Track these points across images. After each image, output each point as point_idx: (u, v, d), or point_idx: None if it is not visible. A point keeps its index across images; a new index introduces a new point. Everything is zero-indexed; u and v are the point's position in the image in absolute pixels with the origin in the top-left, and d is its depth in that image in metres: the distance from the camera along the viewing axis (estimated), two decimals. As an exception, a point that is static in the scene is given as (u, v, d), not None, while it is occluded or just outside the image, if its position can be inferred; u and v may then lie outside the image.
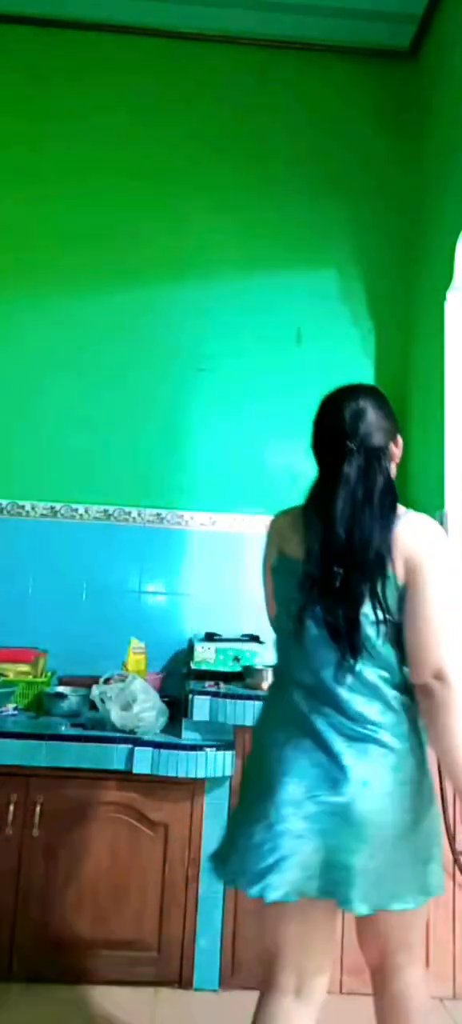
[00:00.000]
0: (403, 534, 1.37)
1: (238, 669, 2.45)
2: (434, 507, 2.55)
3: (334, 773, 1.32)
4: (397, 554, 1.35)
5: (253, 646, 2.54)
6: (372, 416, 1.44)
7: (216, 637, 2.67)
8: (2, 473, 2.98)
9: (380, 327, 3.17)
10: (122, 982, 2.14)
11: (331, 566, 1.36)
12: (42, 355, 3.05)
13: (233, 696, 2.22)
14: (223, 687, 2.32)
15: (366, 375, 3.13)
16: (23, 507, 2.97)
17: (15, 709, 2.46)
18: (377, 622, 1.35)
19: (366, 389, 1.51)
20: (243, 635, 2.75)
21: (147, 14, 3.16)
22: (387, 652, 1.37)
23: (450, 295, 2.70)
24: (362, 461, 1.41)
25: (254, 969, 2.15)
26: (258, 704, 2.16)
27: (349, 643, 1.34)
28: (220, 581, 2.97)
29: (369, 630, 1.35)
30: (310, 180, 3.22)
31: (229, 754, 2.17)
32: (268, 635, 2.77)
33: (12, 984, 2.11)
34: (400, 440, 1.52)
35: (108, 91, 3.21)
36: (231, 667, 2.47)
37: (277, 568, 1.51)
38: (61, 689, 2.52)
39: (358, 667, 1.35)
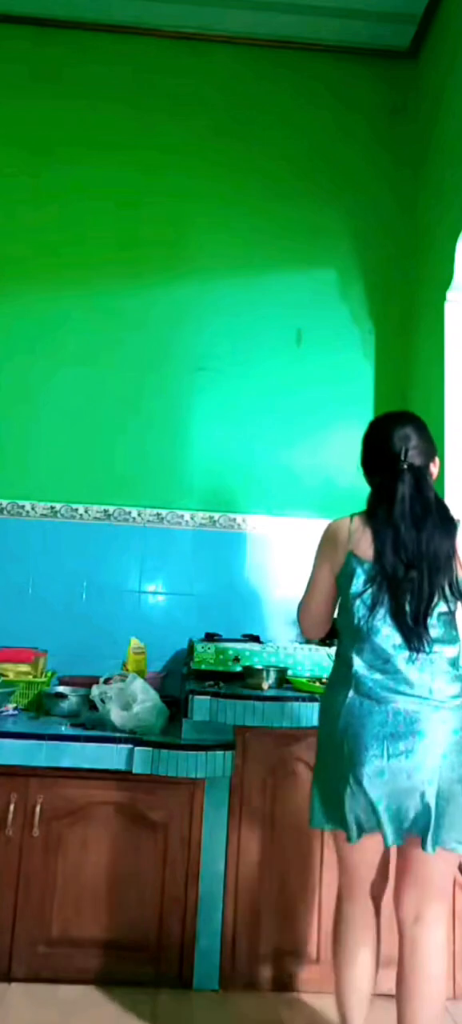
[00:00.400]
0: None
1: (238, 669, 2.45)
2: (434, 507, 2.55)
3: (408, 740, 1.60)
4: (459, 555, 1.68)
5: (253, 646, 2.53)
6: (415, 440, 1.74)
7: (216, 637, 2.67)
8: (2, 473, 2.98)
9: (380, 327, 3.17)
10: (122, 982, 2.14)
11: (404, 567, 1.65)
12: (42, 355, 3.05)
13: (233, 696, 2.22)
14: (223, 687, 2.32)
15: (366, 375, 3.13)
16: (23, 507, 2.97)
17: (15, 709, 2.46)
18: (446, 612, 1.66)
19: (410, 416, 1.81)
20: (243, 635, 2.75)
21: (147, 14, 3.16)
22: (449, 636, 1.68)
23: (450, 295, 2.70)
24: (412, 479, 1.70)
25: (254, 969, 2.17)
26: (258, 704, 2.18)
27: (417, 632, 1.64)
28: (220, 581, 2.97)
29: (436, 619, 1.65)
30: (310, 180, 3.22)
31: (229, 754, 2.17)
32: (268, 635, 2.78)
33: (12, 984, 2.11)
34: (437, 461, 1.81)
35: (107, 91, 3.21)
36: (231, 667, 2.46)
37: (347, 566, 1.73)
38: (61, 689, 2.52)
39: (425, 650, 1.64)
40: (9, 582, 2.91)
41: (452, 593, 1.66)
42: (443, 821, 1.59)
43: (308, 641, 2.23)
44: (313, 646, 2.56)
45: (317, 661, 2.48)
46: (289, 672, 2.45)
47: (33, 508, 2.97)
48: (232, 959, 2.17)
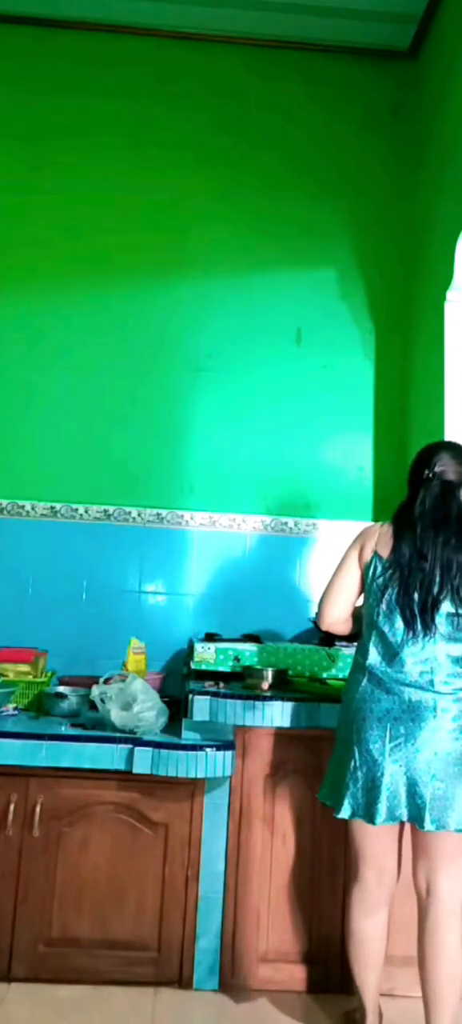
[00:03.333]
0: None
1: (238, 669, 2.45)
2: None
3: (409, 725, 1.75)
4: None
5: (253, 646, 2.53)
6: (448, 459, 1.90)
7: (216, 637, 2.67)
8: (2, 473, 2.98)
9: (380, 327, 3.17)
10: (122, 982, 2.14)
11: (417, 558, 1.80)
12: (42, 355, 3.05)
13: (233, 696, 2.21)
14: (223, 687, 2.32)
15: (366, 375, 3.13)
16: (23, 507, 2.97)
17: (15, 709, 2.46)
18: (454, 614, 1.78)
19: (451, 443, 2.03)
20: (243, 635, 2.75)
21: (147, 14, 3.16)
22: (456, 636, 1.79)
23: (450, 295, 2.70)
24: (438, 488, 1.85)
25: (254, 969, 2.17)
26: (258, 704, 2.19)
27: (422, 620, 1.78)
28: (220, 581, 2.97)
29: (444, 618, 1.78)
30: (310, 180, 3.22)
31: (229, 754, 2.17)
32: (267, 635, 2.78)
33: (12, 984, 2.11)
34: None
35: (107, 91, 3.21)
36: (231, 667, 2.46)
37: (371, 562, 1.91)
38: (61, 689, 2.52)
39: (431, 642, 1.78)
40: (9, 582, 2.91)
41: (460, 597, 1.77)
42: (439, 803, 1.72)
43: (327, 634, 2.23)
44: (311, 646, 2.56)
45: (317, 661, 2.48)
46: (289, 672, 2.45)
47: (33, 508, 2.98)
48: (232, 959, 2.17)
